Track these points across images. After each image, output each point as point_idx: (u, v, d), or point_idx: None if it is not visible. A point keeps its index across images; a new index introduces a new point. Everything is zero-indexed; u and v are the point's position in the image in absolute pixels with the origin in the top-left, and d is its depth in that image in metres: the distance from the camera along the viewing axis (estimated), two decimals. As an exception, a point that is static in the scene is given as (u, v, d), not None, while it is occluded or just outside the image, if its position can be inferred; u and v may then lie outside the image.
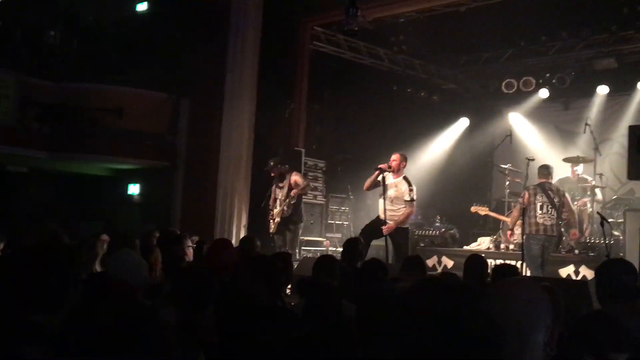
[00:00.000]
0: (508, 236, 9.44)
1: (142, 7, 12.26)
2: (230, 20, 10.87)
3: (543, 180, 8.87)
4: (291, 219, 9.74)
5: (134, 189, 12.52)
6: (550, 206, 8.70)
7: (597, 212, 8.60)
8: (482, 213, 11.17)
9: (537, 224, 8.65)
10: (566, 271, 9.43)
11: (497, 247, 11.06)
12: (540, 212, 8.64)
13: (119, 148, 11.39)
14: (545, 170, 8.99)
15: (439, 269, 10.71)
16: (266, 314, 2.53)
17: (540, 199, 8.69)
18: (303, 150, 11.33)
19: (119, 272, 3.66)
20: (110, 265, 4.06)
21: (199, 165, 11.37)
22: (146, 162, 11.93)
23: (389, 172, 8.64)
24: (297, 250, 9.85)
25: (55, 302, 2.46)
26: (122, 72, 11.69)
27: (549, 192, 8.79)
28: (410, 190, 8.64)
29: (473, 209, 11.20)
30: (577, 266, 9.47)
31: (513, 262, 7.96)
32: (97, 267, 4.47)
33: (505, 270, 4.84)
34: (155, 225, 9.46)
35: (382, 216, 8.70)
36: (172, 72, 11.70)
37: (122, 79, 11.59)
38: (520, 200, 8.83)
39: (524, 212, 8.70)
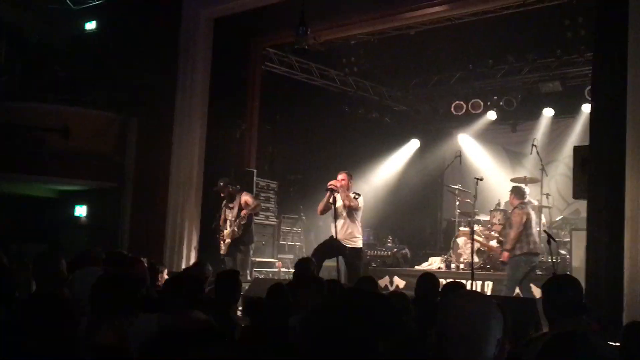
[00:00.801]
0: (505, 258, 9.20)
1: (90, 26, 12.07)
2: (181, 39, 10.79)
3: (523, 200, 9.07)
4: (242, 240, 9.64)
5: (80, 211, 12.24)
6: (536, 225, 8.95)
7: (544, 231, 8.74)
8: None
9: (535, 242, 8.82)
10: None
11: (447, 266, 11.16)
12: (535, 230, 8.84)
13: (65, 169, 11.12)
14: (522, 190, 9.26)
15: (391, 289, 10.73)
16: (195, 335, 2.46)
17: (534, 218, 8.89)
18: (255, 170, 11.25)
19: (84, 290, 3.58)
20: (75, 282, 4.01)
21: (148, 186, 11.18)
22: (93, 183, 11.69)
23: (339, 190, 8.64)
24: (247, 272, 9.74)
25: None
26: (69, 92, 11.45)
27: (533, 211, 9.09)
28: (356, 197, 8.70)
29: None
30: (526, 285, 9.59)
31: (463, 281, 8.01)
32: (34, 287, 4.32)
33: (454, 288, 4.86)
34: (102, 247, 9.21)
35: (335, 236, 8.68)
36: (120, 91, 11.54)
37: (69, 98, 11.36)
38: (518, 219, 8.83)
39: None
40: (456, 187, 11.69)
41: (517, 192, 9.19)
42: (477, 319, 2.01)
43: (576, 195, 7.94)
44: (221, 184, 9.73)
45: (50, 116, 11.03)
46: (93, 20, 12.12)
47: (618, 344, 4.53)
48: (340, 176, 8.79)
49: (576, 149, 8.16)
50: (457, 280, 7.75)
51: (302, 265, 6.39)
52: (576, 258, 9.78)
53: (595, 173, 7.46)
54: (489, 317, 2.04)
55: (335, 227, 8.57)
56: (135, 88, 11.31)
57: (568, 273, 9.54)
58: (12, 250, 8.62)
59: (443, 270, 10.93)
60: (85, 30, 12.22)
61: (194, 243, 10.52)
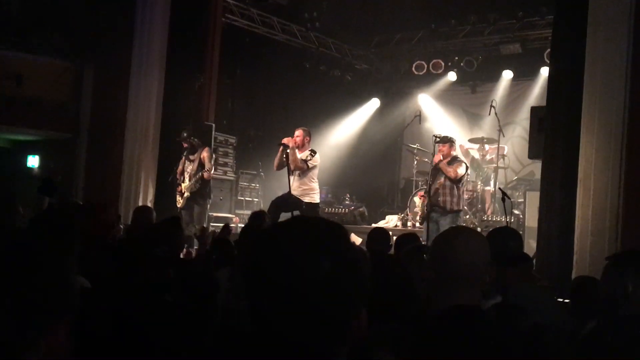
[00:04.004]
0: None
1: (44, -30, 11.60)
2: (139, -14, 10.47)
3: None
4: (200, 194, 9.61)
5: (33, 161, 11.94)
6: None
7: (499, 188, 8.87)
8: None
9: None
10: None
11: (404, 224, 11.28)
12: None
13: (17, 118, 10.80)
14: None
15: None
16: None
17: None
18: (213, 124, 11.11)
19: None
20: None
21: (103, 137, 10.93)
22: (47, 133, 11.40)
23: (295, 147, 8.59)
24: (204, 226, 9.68)
25: None
26: (21, 38, 11.05)
27: None
28: (312, 155, 8.62)
29: None
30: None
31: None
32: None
33: (406, 239, 4.90)
34: (55, 199, 9.04)
35: (291, 191, 8.67)
36: (75, 38, 11.15)
37: (21, 45, 10.96)
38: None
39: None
40: (415, 146, 11.75)
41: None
42: (481, 253, 2.18)
43: (531, 155, 8.05)
44: (185, 134, 9.67)
45: (1, 63, 10.64)
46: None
47: (567, 300, 4.66)
48: (297, 132, 8.75)
49: (533, 109, 8.26)
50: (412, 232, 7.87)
51: (256, 218, 6.35)
52: (530, 218, 9.95)
53: (551, 134, 7.57)
54: (487, 253, 2.22)
55: (291, 182, 8.56)
56: (91, 34, 10.96)
57: (522, 233, 9.74)
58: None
59: (399, 228, 11.04)
60: (39, -27, 11.74)
61: (150, 196, 10.38)
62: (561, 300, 4.98)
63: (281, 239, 1.35)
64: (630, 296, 2.57)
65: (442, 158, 8.85)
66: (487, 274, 2.20)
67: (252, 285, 1.34)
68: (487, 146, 11.80)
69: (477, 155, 11.93)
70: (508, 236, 3.68)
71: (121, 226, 6.97)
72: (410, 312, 2.35)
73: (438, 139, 9.08)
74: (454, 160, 8.92)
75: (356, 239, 11.02)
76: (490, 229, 4.43)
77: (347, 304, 1.33)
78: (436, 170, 8.89)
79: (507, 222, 7.13)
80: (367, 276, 1.38)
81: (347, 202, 12.76)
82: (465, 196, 11.06)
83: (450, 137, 9.20)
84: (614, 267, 2.63)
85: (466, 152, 12.21)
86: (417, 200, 11.22)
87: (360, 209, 12.37)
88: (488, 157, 11.76)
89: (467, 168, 9.04)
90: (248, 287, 1.35)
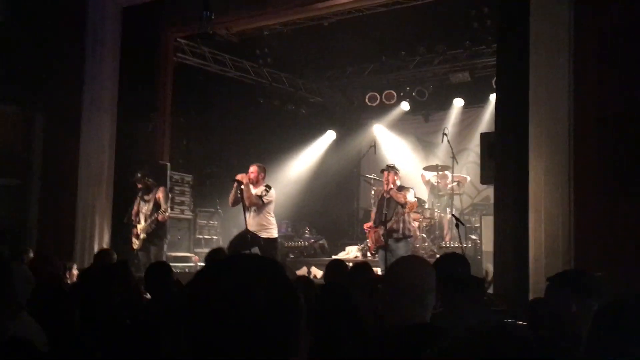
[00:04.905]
0: None
1: (-10, 15, 11.50)
2: (87, 29, 10.44)
3: None
4: (156, 234, 9.48)
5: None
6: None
7: (452, 214, 8.98)
8: None
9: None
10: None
11: (364, 255, 11.30)
12: None
13: (-35, 166, 10.59)
14: None
15: (309, 280, 10.77)
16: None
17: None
18: (168, 164, 11.04)
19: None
20: None
21: (56, 183, 10.78)
22: (-4, 180, 11.18)
23: (250, 183, 8.60)
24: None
25: None
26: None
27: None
28: (266, 190, 8.63)
29: None
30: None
31: (378, 270, 8.13)
32: None
33: (358, 269, 4.92)
34: (8, 246, 8.86)
35: (249, 228, 8.64)
36: (25, 84, 11.04)
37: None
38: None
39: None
40: (372, 176, 11.86)
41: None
42: (425, 276, 2.58)
43: (483, 180, 8.19)
44: (139, 175, 9.58)
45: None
46: (-7, 9, 11.55)
47: (525, 323, 4.71)
48: (251, 168, 8.78)
49: (483, 136, 8.42)
50: (365, 261, 7.88)
51: (212, 256, 6.31)
52: (487, 242, 10.04)
53: (501, 159, 7.72)
54: (430, 272, 2.64)
55: (247, 218, 8.55)
56: (41, 81, 10.86)
57: (479, 258, 9.88)
58: None
59: (359, 258, 11.06)
60: (-14, 20, 11.63)
61: (106, 239, 10.23)
62: (520, 322, 5.04)
63: (220, 277, 1.41)
64: (575, 315, 2.61)
65: (391, 186, 9.02)
66: (431, 295, 2.52)
67: (194, 323, 1.39)
68: (448, 174, 11.88)
69: (435, 182, 12.07)
70: (456, 262, 3.75)
71: (75, 272, 6.85)
72: (354, 338, 2.43)
73: (382, 169, 9.36)
74: (402, 188, 9.10)
75: (317, 272, 11.01)
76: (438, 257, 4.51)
77: (284, 333, 1.39)
78: (383, 199, 9.07)
79: (462, 247, 7.20)
80: (302, 308, 1.44)
81: (307, 235, 12.75)
82: (424, 223, 11.20)
83: (394, 166, 9.39)
84: (555, 288, 2.68)
85: (427, 182, 12.32)
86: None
87: (320, 242, 12.39)
88: (450, 185, 11.85)
89: (414, 194, 9.28)
90: (190, 324, 1.40)
